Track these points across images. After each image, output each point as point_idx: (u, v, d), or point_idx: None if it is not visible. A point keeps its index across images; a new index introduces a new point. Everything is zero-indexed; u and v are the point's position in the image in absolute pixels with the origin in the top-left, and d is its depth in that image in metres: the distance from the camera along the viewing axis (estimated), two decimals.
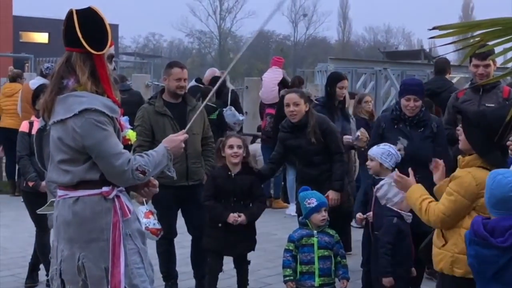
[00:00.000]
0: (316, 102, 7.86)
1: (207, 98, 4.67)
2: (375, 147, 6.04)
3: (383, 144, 6.03)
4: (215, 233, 5.95)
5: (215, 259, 6.02)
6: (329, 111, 7.38)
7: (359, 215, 5.94)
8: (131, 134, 4.08)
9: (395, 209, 5.43)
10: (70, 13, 3.76)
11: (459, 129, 4.49)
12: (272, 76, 11.22)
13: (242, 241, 6.00)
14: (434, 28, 2.77)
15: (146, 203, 5.34)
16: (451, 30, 2.84)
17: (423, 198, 4.36)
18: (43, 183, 6.33)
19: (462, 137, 4.42)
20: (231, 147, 5.97)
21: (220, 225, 5.88)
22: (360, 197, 6.56)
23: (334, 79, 7.71)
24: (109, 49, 3.82)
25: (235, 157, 5.95)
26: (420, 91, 6.12)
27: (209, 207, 5.98)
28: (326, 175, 6.41)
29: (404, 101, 6.04)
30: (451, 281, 4.29)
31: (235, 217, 5.81)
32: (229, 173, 5.98)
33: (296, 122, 6.39)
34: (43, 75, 11.24)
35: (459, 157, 4.52)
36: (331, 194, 6.32)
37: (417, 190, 4.43)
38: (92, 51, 3.73)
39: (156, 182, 4.13)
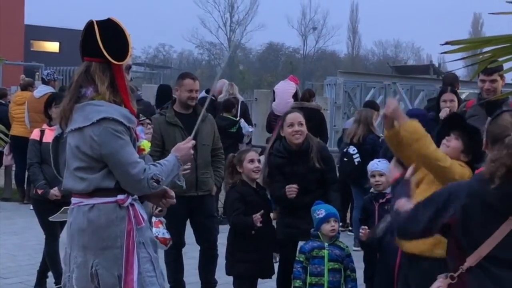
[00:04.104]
0: None
1: (205, 106, 4.63)
2: (379, 163, 6.08)
3: (382, 159, 6.10)
4: (248, 256, 5.64)
5: (249, 285, 5.74)
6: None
7: (362, 228, 5.91)
8: (145, 144, 4.15)
9: None
10: (90, 24, 3.82)
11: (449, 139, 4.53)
12: (286, 87, 11.21)
13: (271, 261, 5.83)
14: (446, 43, 2.80)
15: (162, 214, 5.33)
16: (462, 45, 2.87)
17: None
18: (52, 191, 6.39)
19: (453, 144, 4.47)
20: (252, 161, 5.72)
21: (253, 232, 5.53)
22: (357, 215, 6.43)
23: (439, 93, 7.56)
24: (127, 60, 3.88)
25: (256, 172, 5.71)
26: (424, 123, 5.91)
27: (239, 223, 5.63)
28: (311, 203, 5.91)
29: None
30: (428, 262, 4.31)
31: (258, 217, 5.45)
32: (257, 189, 5.76)
33: (299, 144, 5.91)
34: (45, 82, 11.38)
35: None
36: None
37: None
38: (113, 61, 3.79)
39: (173, 193, 4.17)
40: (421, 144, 4.32)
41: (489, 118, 3.51)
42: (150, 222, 4.36)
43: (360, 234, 5.83)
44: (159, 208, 4.71)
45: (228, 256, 5.81)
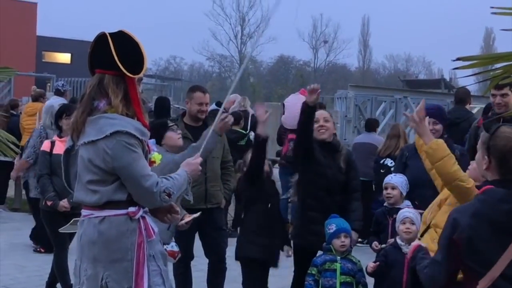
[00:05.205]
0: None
1: (217, 119, 4.74)
2: (394, 176, 6.07)
3: (398, 174, 6.09)
4: (258, 240, 5.87)
5: (260, 271, 5.96)
6: None
7: (375, 244, 5.92)
8: (156, 157, 4.14)
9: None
10: (102, 36, 3.81)
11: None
12: (296, 101, 11.17)
13: (278, 250, 6.02)
14: (458, 59, 2.78)
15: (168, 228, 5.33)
16: (474, 61, 2.85)
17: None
18: (61, 202, 6.40)
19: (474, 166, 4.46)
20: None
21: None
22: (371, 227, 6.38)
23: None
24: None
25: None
26: (439, 115, 5.97)
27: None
28: (336, 207, 5.93)
29: None
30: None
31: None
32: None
33: (325, 138, 5.98)
34: (60, 93, 11.38)
35: None
36: (352, 234, 5.87)
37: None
38: (128, 74, 3.78)
39: (178, 209, 4.17)
40: (445, 163, 4.43)
41: (483, 133, 3.45)
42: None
43: (373, 248, 5.84)
44: (185, 220, 4.92)
45: (240, 237, 6.07)
